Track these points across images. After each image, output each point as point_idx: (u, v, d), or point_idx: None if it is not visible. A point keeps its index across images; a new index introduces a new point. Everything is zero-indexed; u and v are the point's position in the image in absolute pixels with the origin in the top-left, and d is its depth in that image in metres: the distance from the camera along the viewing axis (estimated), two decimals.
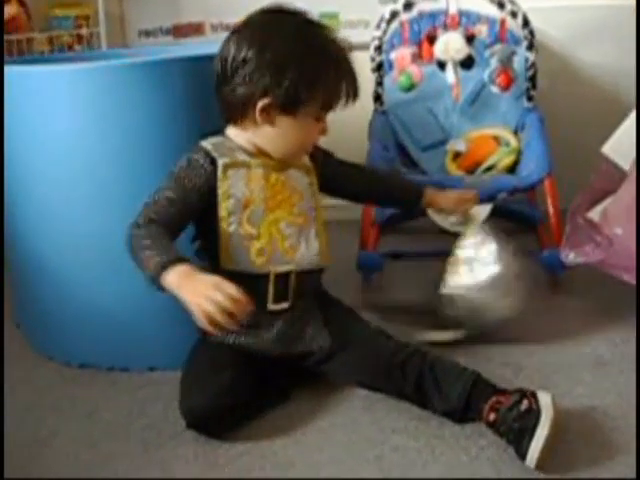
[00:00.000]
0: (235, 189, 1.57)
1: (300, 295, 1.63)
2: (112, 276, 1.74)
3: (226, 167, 1.57)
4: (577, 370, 1.71)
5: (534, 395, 1.44)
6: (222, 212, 1.56)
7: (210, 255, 1.62)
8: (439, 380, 1.52)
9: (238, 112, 1.57)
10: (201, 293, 1.37)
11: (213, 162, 1.56)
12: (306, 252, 1.63)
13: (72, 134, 1.68)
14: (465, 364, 1.58)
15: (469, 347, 1.81)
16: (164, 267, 1.41)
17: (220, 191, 1.56)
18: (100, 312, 1.76)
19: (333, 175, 1.75)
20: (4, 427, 1.52)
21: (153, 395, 1.68)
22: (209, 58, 1.60)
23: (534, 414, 1.39)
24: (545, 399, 1.43)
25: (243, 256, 1.59)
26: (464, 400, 1.49)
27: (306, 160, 1.68)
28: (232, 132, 1.61)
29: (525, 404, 1.41)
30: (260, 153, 1.60)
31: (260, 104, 1.53)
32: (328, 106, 1.58)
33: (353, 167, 1.82)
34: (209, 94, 1.60)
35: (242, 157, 1.59)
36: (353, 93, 1.59)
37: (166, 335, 1.77)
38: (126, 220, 1.69)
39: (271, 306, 1.61)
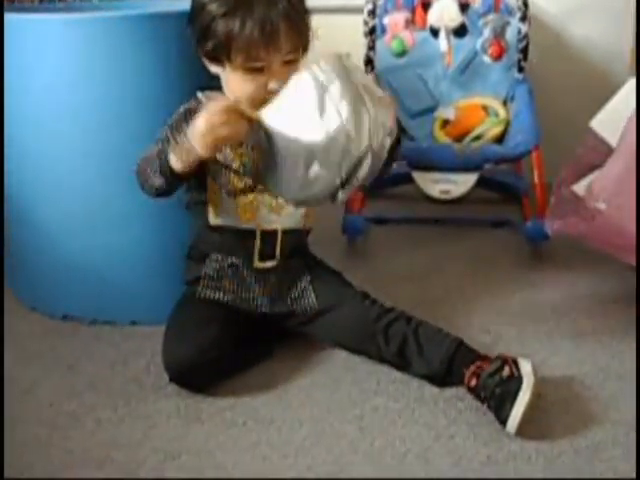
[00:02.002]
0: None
1: (287, 255, 1.64)
2: (97, 228, 1.74)
3: None
4: (556, 340, 1.74)
5: (515, 362, 1.46)
6: (211, 165, 1.56)
7: (200, 209, 1.63)
8: (422, 344, 1.54)
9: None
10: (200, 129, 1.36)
11: None
12: (293, 211, 1.63)
13: (61, 83, 1.67)
14: (445, 329, 1.59)
15: (450, 315, 1.83)
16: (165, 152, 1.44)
17: None
18: (84, 264, 1.77)
19: None
20: None
21: (136, 349, 1.69)
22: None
23: (516, 381, 1.41)
24: (526, 366, 1.45)
25: (230, 210, 1.60)
26: (446, 364, 1.51)
27: None
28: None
29: (507, 370, 1.44)
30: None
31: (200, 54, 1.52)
32: (248, 56, 1.45)
33: None
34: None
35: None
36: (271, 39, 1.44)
37: (150, 290, 1.77)
38: (112, 171, 1.70)
39: (257, 263, 1.62)
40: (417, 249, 2.26)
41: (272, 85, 1.49)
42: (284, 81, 1.49)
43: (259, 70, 1.47)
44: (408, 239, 2.32)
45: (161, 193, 1.51)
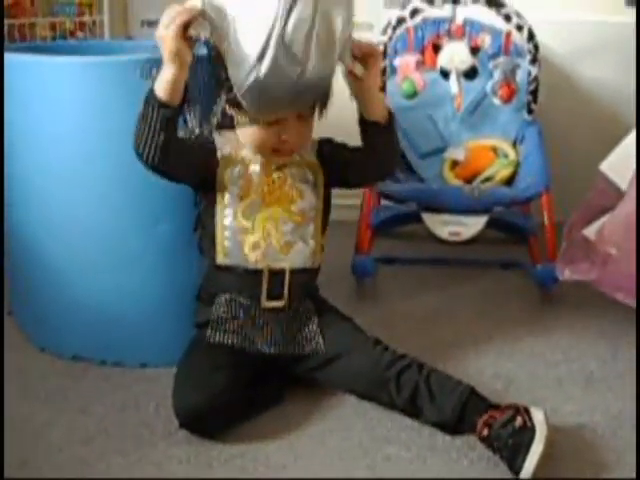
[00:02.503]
0: (232, 182, 1.60)
1: (295, 295, 1.64)
2: (108, 269, 1.74)
3: (225, 159, 1.60)
4: (567, 386, 1.73)
5: (527, 411, 1.46)
6: (218, 204, 1.60)
7: (207, 249, 1.65)
8: (433, 392, 1.54)
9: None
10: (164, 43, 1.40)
11: (215, 153, 1.61)
12: (301, 251, 1.64)
13: (73, 126, 1.68)
14: (456, 375, 1.59)
15: (461, 359, 1.82)
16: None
17: (218, 181, 1.60)
18: (95, 305, 1.76)
19: (345, 166, 1.67)
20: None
21: (146, 392, 1.68)
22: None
23: (529, 431, 1.40)
24: (538, 416, 1.44)
25: (237, 250, 1.61)
26: (458, 413, 1.51)
27: (312, 157, 1.66)
28: (238, 130, 1.62)
29: (519, 420, 1.43)
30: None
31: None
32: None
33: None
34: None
35: (243, 152, 1.61)
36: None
37: (159, 332, 1.77)
38: (125, 215, 1.71)
39: (265, 303, 1.63)
40: (426, 290, 2.26)
41: (285, 137, 1.52)
42: (298, 134, 1.52)
43: (273, 122, 1.51)
44: (417, 280, 2.32)
45: (153, 146, 1.47)
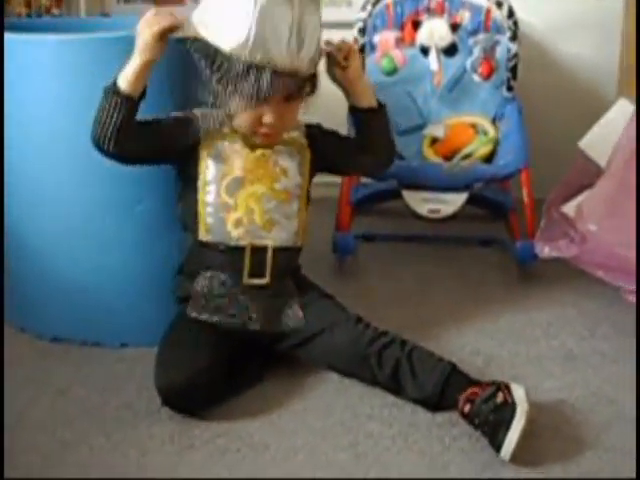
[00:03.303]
0: (215, 158, 1.59)
1: (277, 274, 1.64)
2: (87, 249, 1.73)
3: (208, 135, 1.59)
4: (546, 363, 1.74)
5: (508, 388, 1.47)
6: (200, 181, 1.59)
7: (189, 225, 1.64)
8: (415, 368, 1.54)
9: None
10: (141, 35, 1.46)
11: (197, 128, 1.60)
12: (284, 229, 1.64)
13: (49, 104, 1.66)
14: (436, 352, 1.60)
15: (442, 336, 1.83)
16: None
17: (200, 158, 1.59)
18: (74, 285, 1.75)
19: (333, 152, 1.71)
20: None
21: (127, 372, 1.68)
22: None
23: (510, 407, 1.41)
24: (519, 392, 1.46)
25: (220, 227, 1.60)
26: (439, 389, 1.52)
27: (300, 138, 1.66)
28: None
29: (500, 397, 1.44)
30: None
31: None
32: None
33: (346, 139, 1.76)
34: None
35: (226, 129, 1.60)
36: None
37: (139, 312, 1.76)
38: (104, 194, 1.69)
39: (246, 280, 1.62)
40: (406, 267, 2.26)
41: (267, 118, 1.52)
42: (280, 117, 1.52)
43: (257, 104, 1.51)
44: (397, 257, 2.33)
45: (110, 133, 1.48)
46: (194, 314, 1.62)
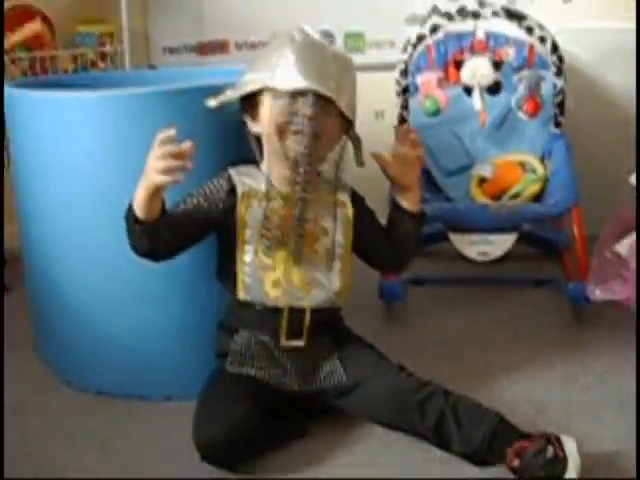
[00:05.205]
0: (253, 218, 1.56)
1: (315, 333, 1.61)
2: (130, 304, 1.72)
3: (245, 195, 1.56)
4: (601, 411, 1.67)
5: (559, 440, 1.41)
6: (239, 240, 1.56)
7: (227, 284, 1.61)
8: (461, 420, 1.49)
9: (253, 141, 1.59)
10: (148, 169, 1.40)
11: (233, 189, 1.57)
12: (324, 289, 1.60)
13: (93, 161, 1.67)
14: (487, 400, 1.55)
15: (491, 383, 1.77)
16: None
17: (238, 218, 1.56)
18: (118, 340, 1.75)
19: (365, 228, 1.65)
20: (3, 455, 1.50)
21: (170, 426, 1.66)
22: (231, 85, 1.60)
23: (561, 462, 1.36)
24: (570, 446, 1.40)
25: (258, 287, 1.57)
26: (487, 442, 1.45)
27: (343, 197, 1.62)
28: (263, 165, 1.59)
29: (551, 451, 1.38)
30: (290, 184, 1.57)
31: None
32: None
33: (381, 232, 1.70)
34: (236, 124, 1.59)
35: (264, 187, 1.57)
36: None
37: (183, 364, 1.75)
38: None
39: (284, 342, 1.59)
40: (455, 310, 2.21)
41: (305, 110, 1.48)
42: (322, 123, 1.50)
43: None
44: (446, 300, 2.28)
45: (141, 249, 1.51)
46: (233, 369, 1.60)
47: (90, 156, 1.67)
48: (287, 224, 1.56)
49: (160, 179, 1.38)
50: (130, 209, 1.46)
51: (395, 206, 1.66)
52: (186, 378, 1.74)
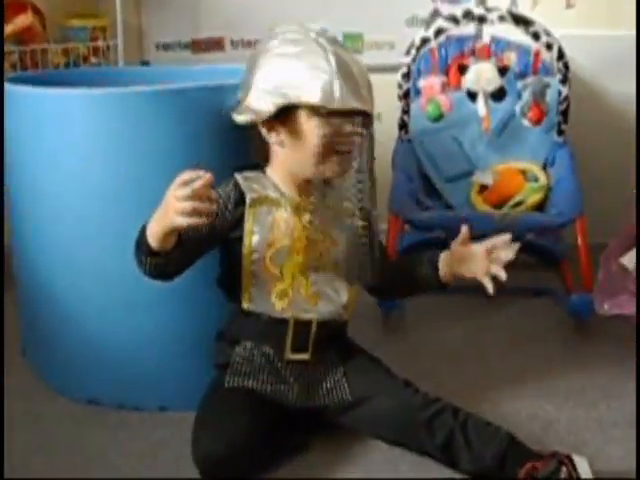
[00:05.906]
0: (261, 226, 1.50)
1: (320, 346, 1.56)
2: (124, 311, 1.67)
3: (254, 202, 1.51)
4: (608, 427, 1.64)
5: (571, 460, 1.37)
6: (245, 248, 1.50)
7: (232, 293, 1.56)
8: (471, 439, 1.44)
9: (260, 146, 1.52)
10: (168, 208, 1.30)
11: (241, 196, 1.51)
12: (332, 302, 1.55)
13: (85, 160, 1.61)
14: (493, 417, 1.51)
15: (497, 399, 1.73)
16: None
17: (246, 226, 1.50)
18: (111, 349, 1.69)
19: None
20: (4, 466, 1.44)
21: (165, 438, 1.60)
22: (232, 87, 1.55)
23: None
24: (583, 466, 1.36)
25: (264, 297, 1.52)
26: (498, 462, 1.42)
27: (353, 207, 1.54)
28: (269, 170, 1.55)
29: (564, 472, 1.35)
30: (299, 191, 1.52)
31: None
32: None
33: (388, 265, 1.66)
34: (232, 125, 1.53)
35: (273, 194, 1.52)
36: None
37: (179, 374, 1.69)
38: None
39: (289, 355, 1.55)
40: (455, 320, 2.17)
41: (348, 128, 1.43)
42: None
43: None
44: (445, 309, 2.23)
45: (151, 276, 1.46)
46: (233, 382, 1.55)
47: (85, 156, 1.61)
48: (296, 233, 1.51)
49: (182, 221, 1.28)
50: (142, 234, 1.38)
51: (432, 263, 1.61)
52: (182, 388, 1.68)
